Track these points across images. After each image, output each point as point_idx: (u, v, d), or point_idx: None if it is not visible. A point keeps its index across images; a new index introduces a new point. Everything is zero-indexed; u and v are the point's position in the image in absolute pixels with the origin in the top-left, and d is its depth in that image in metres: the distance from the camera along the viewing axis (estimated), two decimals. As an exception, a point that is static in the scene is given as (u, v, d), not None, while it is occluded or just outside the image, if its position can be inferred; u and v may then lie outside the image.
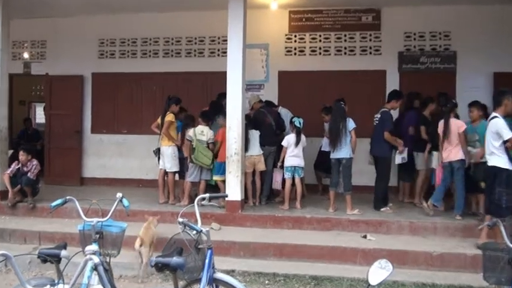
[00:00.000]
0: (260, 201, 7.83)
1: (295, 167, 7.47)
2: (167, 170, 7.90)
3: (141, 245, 5.62)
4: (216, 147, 7.63)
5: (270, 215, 7.11)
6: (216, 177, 7.59)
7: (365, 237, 6.46)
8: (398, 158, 7.56)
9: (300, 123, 7.55)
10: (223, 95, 8.13)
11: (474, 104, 6.94)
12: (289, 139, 7.62)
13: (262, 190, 7.89)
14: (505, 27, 8.67)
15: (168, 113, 7.82)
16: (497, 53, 8.63)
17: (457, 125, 6.83)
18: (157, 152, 8.02)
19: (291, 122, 7.67)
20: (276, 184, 7.76)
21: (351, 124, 7.19)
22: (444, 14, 9.00)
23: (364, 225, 6.77)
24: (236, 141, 7.13)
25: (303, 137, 7.59)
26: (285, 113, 8.33)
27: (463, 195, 6.80)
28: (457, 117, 7.05)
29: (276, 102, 9.01)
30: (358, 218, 6.90)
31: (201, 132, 7.65)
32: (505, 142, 5.64)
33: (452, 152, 6.79)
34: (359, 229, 6.71)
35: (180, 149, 7.90)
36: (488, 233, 5.66)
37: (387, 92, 8.80)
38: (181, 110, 8.28)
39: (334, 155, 7.25)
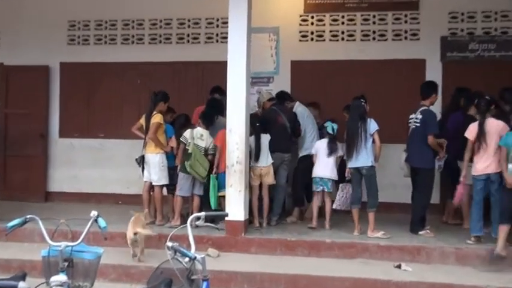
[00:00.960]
0: (269, 222, 7.86)
1: (327, 178, 7.62)
2: (153, 183, 7.91)
3: (135, 233, 6.26)
4: (217, 155, 7.65)
5: (280, 239, 7.11)
6: (222, 192, 7.47)
7: (399, 267, 6.43)
8: (435, 165, 7.57)
9: (333, 130, 7.65)
10: (218, 90, 8.13)
11: None
12: (319, 146, 7.73)
13: (272, 208, 7.91)
14: None
15: (154, 112, 7.84)
16: None
17: (498, 127, 6.75)
18: (141, 160, 8.02)
19: (322, 127, 7.82)
20: (338, 203, 7.70)
21: (372, 126, 7.21)
22: (501, -12, 9.02)
23: (398, 252, 6.73)
24: (238, 147, 7.15)
25: (338, 145, 7.68)
26: (301, 113, 8.32)
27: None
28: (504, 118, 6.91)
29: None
30: (390, 243, 6.88)
31: (200, 136, 7.69)
32: None
33: (493, 163, 6.71)
34: (391, 257, 6.68)
35: (174, 157, 7.95)
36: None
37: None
38: (169, 110, 8.33)
39: (351, 164, 7.29)
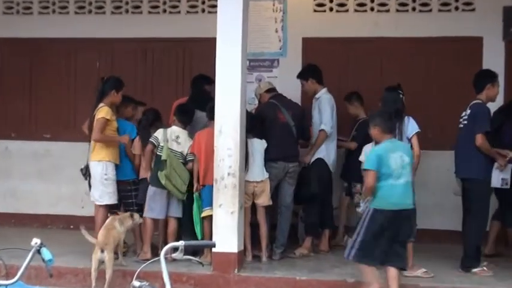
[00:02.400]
0: (271, 255, 7.93)
1: None
2: (95, 202, 8.00)
3: (102, 251, 6.35)
4: (195, 166, 7.75)
5: (286, 278, 7.16)
6: (207, 211, 7.59)
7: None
8: (496, 178, 7.65)
9: None
10: (204, 81, 8.20)
11: None
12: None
13: (276, 237, 8.01)
14: None
15: (101, 105, 7.88)
16: None
17: None
18: (86, 171, 8.09)
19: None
20: None
21: (411, 126, 7.30)
22: None
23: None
24: (231, 153, 7.20)
25: None
26: (327, 101, 8.34)
27: None
28: None
29: (298, 89, 9.09)
30: (434, 285, 6.94)
31: (176, 138, 7.79)
32: None
33: None
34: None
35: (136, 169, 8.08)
36: None
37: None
38: (127, 101, 8.35)
39: None
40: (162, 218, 7.87)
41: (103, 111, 7.77)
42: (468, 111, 7.51)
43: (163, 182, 7.53)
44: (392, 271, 6.43)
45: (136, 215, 7.48)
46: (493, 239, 8.16)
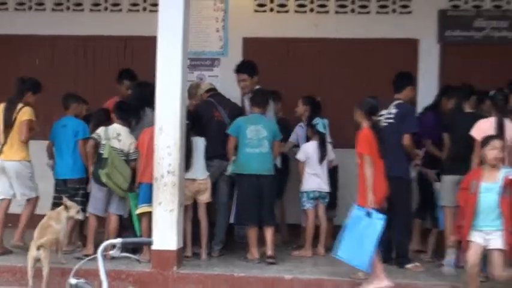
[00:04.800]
0: (210, 252, 7.95)
1: (319, 192, 7.88)
2: (27, 198, 8.02)
3: (38, 248, 6.35)
4: (138, 162, 7.71)
5: (224, 275, 7.19)
6: (142, 208, 7.61)
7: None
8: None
9: (324, 127, 7.88)
10: (128, 75, 8.35)
11: None
12: (307, 150, 7.98)
13: (214, 234, 8.01)
14: None
15: (21, 106, 7.87)
16: None
17: None
18: None
19: (311, 125, 8.04)
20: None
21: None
22: None
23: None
24: (171, 151, 7.18)
25: (329, 148, 7.97)
26: None
27: None
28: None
29: (237, 88, 9.00)
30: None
31: (117, 136, 7.73)
32: None
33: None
34: (370, 298, 6.78)
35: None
36: None
37: (420, 74, 8.99)
38: (80, 101, 8.38)
39: None
40: (104, 215, 7.85)
41: (27, 113, 7.85)
42: (394, 110, 7.63)
43: (104, 180, 7.52)
44: (269, 231, 7.58)
45: (73, 208, 7.33)
46: (417, 236, 8.27)
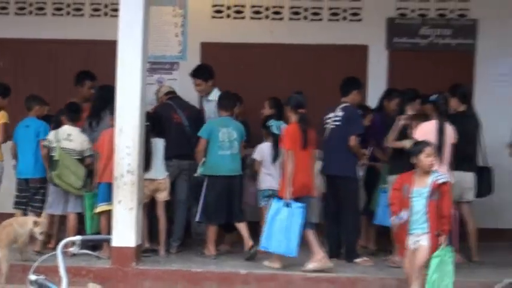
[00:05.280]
0: (168, 249, 7.94)
1: (272, 190, 7.83)
2: None
3: None
4: (97, 161, 7.70)
5: (182, 271, 7.20)
6: (101, 207, 7.58)
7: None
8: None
9: (278, 129, 7.86)
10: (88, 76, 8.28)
11: None
12: (263, 150, 8.01)
13: (172, 231, 8.02)
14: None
15: None
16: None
17: (452, 133, 7.21)
18: None
19: (265, 127, 8.04)
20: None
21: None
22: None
23: (329, 286, 6.94)
24: (130, 152, 7.15)
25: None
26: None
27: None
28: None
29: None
30: (320, 275, 7.06)
31: (67, 137, 7.69)
32: None
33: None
34: (321, 291, 6.90)
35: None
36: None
37: (369, 79, 9.00)
38: (42, 103, 8.28)
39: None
40: (59, 213, 7.83)
41: (4, 117, 7.96)
42: (340, 113, 7.73)
43: (56, 181, 7.55)
44: (242, 225, 7.63)
45: (39, 226, 7.09)
46: (364, 232, 8.30)
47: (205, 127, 7.84)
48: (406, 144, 7.35)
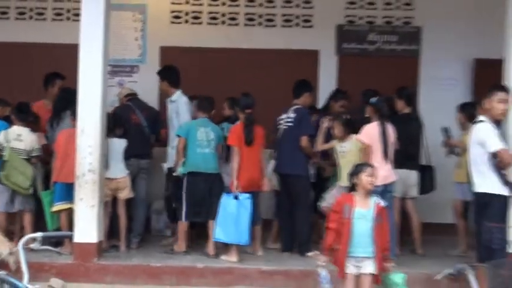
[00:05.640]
0: (129, 245, 7.97)
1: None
2: None
3: None
4: (53, 162, 7.71)
5: (142, 265, 7.24)
6: (57, 206, 7.59)
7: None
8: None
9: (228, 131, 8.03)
10: (68, 91, 8.09)
11: None
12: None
13: (132, 227, 8.05)
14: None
15: None
16: (481, 30, 9.29)
17: (393, 132, 7.43)
18: None
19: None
20: None
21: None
22: (405, -28, 9.78)
23: (283, 278, 7.03)
24: (92, 152, 7.16)
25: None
26: (185, 105, 8.29)
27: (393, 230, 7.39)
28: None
29: (155, 93, 9.10)
30: (274, 268, 7.20)
31: (17, 137, 7.69)
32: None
33: (390, 171, 7.33)
34: (275, 284, 6.98)
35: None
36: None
37: (320, 82, 9.14)
38: (2, 104, 8.30)
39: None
40: (11, 211, 7.75)
41: None
42: (292, 115, 7.87)
43: (4, 181, 7.50)
44: (211, 223, 7.54)
45: (15, 253, 6.65)
46: (316, 228, 8.42)
47: (183, 126, 7.87)
48: (334, 144, 7.67)
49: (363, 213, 5.59)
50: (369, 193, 5.70)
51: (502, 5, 6.95)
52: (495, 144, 6.13)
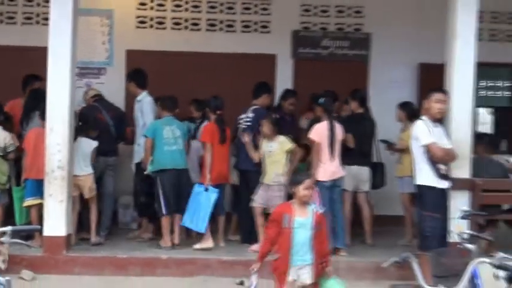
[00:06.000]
0: (96, 237, 8.01)
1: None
2: None
3: None
4: (24, 157, 7.75)
5: (109, 257, 7.36)
6: (28, 201, 7.65)
7: (242, 283, 6.86)
8: None
9: (190, 131, 8.30)
10: (34, 80, 8.27)
11: None
12: None
13: (101, 221, 8.12)
14: (434, 3, 9.34)
15: None
16: (425, 36, 9.54)
17: (341, 131, 7.68)
18: None
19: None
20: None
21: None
22: (356, -18, 10.10)
23: (243, 268, 7.01)
24: (60, 149, 7.26)
25: (194, 144, 8.26)
26: (149, 104, 8.33)
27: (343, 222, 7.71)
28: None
29: (121, 94, 9.16)
30: (234, 258, 7.39)
31: None
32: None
33: (338, 167, 7.60)
34: (235, 273, 7.10)
35: None
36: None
37: (277, 84, 9.30)
38: None
39: None
40: None
41: None
42: (251, 115, 8.09)
43: None
44: (178, 217, 7.71)
45: (2, 253, 6.89)
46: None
47: (149, 127, 7.95)
48: (263, 145, 7.78)
49: (302, 222, 5.30)
50: (306, 203, 5.41)
51: (444, 15, 7.32)
52: (425, 139, 6.47)
